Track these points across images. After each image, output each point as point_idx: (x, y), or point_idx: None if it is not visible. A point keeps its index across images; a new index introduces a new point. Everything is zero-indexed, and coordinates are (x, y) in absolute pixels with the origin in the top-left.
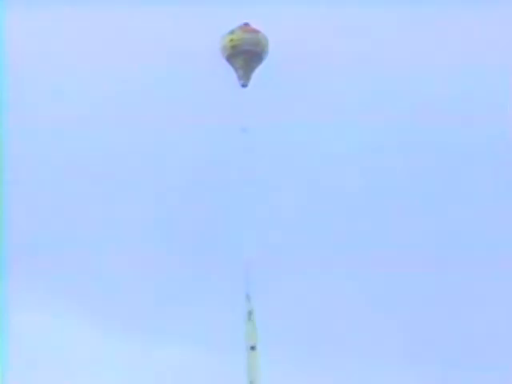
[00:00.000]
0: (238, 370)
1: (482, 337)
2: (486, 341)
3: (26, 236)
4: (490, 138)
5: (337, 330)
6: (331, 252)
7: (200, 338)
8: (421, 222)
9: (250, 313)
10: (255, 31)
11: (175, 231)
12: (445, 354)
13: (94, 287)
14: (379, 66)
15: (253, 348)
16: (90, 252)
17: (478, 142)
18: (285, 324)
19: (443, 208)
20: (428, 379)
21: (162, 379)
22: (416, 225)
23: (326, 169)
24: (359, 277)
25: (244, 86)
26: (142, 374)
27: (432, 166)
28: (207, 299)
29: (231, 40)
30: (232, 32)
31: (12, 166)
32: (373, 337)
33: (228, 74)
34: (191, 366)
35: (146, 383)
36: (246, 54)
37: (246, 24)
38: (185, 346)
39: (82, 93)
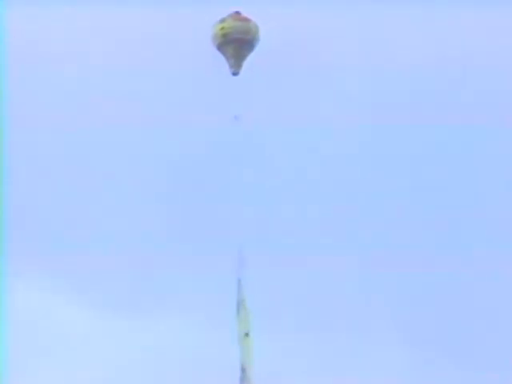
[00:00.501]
0: (231, 355)
1: (479, 319)
2: (483, 323)
3: (25, 215)
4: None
5: (330, 315)
6: (325, 235)
7: (193, 319)
8: (419, 207)
9: (242, 299)
10: (246, 19)
11: (168, 217)
12: (438, 328)
13: (89, 265)
14: (373, 58)
15: (246, 334)
16: (85, 230)
17: (479, 140)
18: (277, 308)
19: (445, 199)
20: (421, 355)
21: (156, 357)
22: (415, 209)
23: (319, 153)
24: (354, 260)
25: (235, 74)
26: (134, 353)
27: (434, 164)
28: (199, 283)
29: (222, 28)
30: (223, 20)
31: (11, 163)
32: (368, 321)
33: (219, 62)
34: (183, 345)
35: (140, 361)
36: (236, 43)
37: (237, 12)
38: (177, 325)
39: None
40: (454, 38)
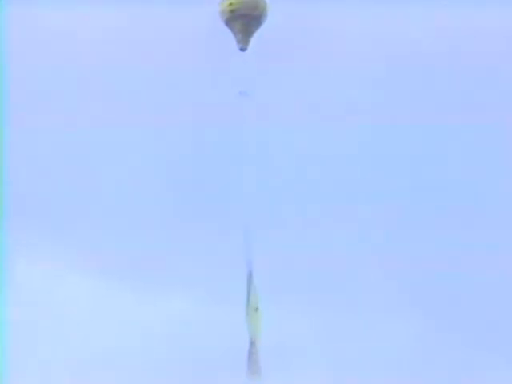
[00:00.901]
0: (239, 328)
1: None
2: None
3: (26, 183)
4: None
5: (338, 290)
6: (330, 207)
7: (200, 290)
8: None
9: (251, 275)
10: None
11: (175, 189)
12: (443, 303)
13: (92, 236)
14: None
15: (256, 309)
16: (89, 200)
17: (479, 140)
18: (285, 284)
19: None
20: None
21: (160, 330)
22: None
23: (324, 129)
24: (360, 230)
25: (243, 49)
26: (139, 325)
27: (434, 164)
28: (207, 256)
29: (230, 4)
30: None
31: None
32: (375, 294)
33: (227, 37)
34: (190, 317)
35: (144, 334)
36: (244, 18)
37: None
38: (184, 297)
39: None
40: (454, 38)
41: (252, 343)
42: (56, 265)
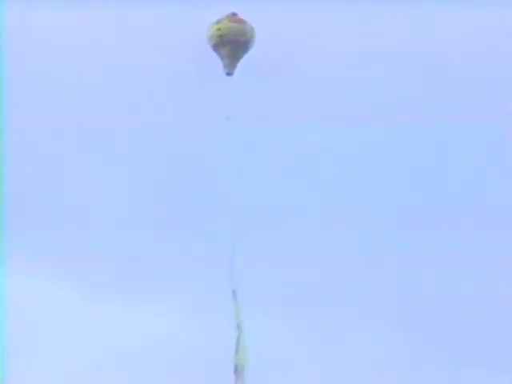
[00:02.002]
0: (225, 342)
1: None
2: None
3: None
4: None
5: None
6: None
7: (184, 302)
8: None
9: (234, 295)
10: (242, 21)
11: (163, 201)
12: (431, 312)
13: (75, 250)
14: (371, 58)
15: (241, 332)
16: (71, 214)
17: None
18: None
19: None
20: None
21: (147, 343)
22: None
23: (311, 152)
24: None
25: (229, 74)
26: (124, 339)
27: (434, 163)
28: (193, 268)
29: (218, 29)
30: (219, 21)
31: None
32: (363, 304)
33: (215, 62)
34: (174, 330)
35: (129, 347)
36: (232, 44)
37: (234, 14)
38: (169, 308)
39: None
40: (452, 39)
41: (240, 367)
42: (39, 275)
